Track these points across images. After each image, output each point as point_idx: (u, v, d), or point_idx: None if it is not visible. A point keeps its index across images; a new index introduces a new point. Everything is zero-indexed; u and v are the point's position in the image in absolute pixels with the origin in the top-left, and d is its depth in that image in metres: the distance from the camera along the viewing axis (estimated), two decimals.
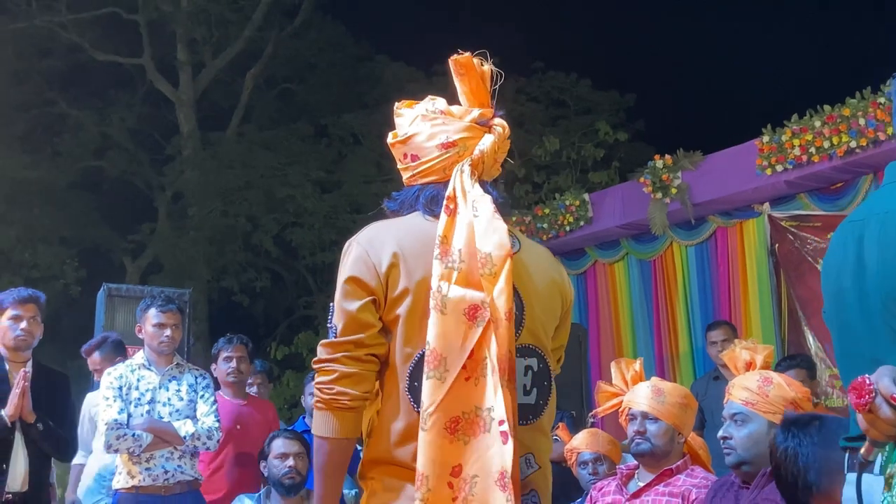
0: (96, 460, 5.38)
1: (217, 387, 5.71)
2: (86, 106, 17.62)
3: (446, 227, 2.17)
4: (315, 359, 2.19)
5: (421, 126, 2.32)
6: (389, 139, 2.40)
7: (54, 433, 4.48)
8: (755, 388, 3.23)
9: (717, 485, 3.43)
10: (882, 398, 1.52)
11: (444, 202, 2.21)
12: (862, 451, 1.63)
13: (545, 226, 8.56)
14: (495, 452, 2.01)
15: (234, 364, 5.57)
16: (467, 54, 2.35)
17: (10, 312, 4.44)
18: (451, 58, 2.36)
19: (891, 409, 1.51)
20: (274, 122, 17.72)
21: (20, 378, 4.23)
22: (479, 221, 2.16)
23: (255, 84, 17.98)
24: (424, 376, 2.07)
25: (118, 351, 5.91)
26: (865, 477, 1.93)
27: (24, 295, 4.50)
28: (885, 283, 2.01)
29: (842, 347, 2.22)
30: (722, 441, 3.26)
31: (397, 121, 2.40)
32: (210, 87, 18.00)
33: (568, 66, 15.55)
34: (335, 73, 18.05)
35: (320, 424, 2.16)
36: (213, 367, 5.72)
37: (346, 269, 2.21)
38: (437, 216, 2.21)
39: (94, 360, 5.84)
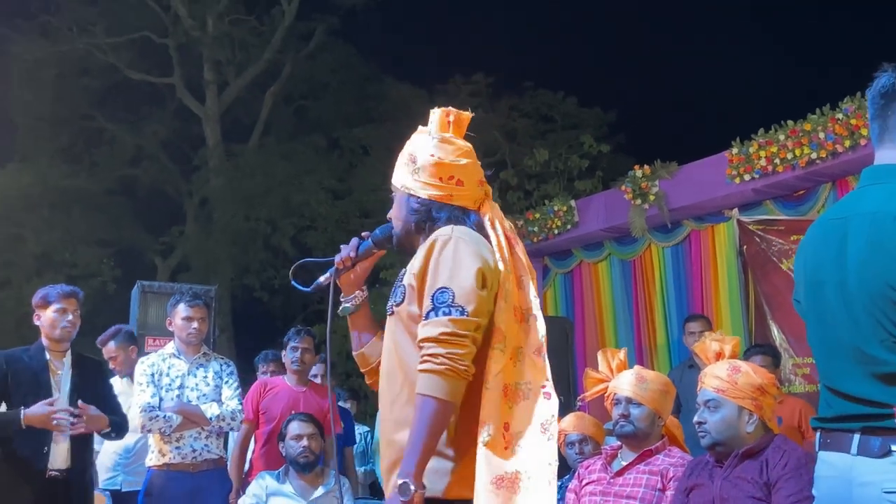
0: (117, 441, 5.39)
1: (284, 372, 5.69)
2: (121, 121, 17.62)
3: (497, 242, 2.37)
4: (450, 331, 2.20)
5: (470, 160, 2.45)
6: (440, 156, 2.44)
7: (115, 424, 4.47)
8: (725, 376, 3.22)
9: (693, 464, 3.42)
10: None
11: (489, 224, 2.41)
12: None
13: (535, 229, 8.55)
14: (536, 410, 2.26)
15: (298, 354, 5.49)
16: (471, 114, 2.51)
17: (54, 306, 4.43)
18: (458, 112, 2.49)
19: None
20: (291, 136, 17.70)
21: (76, 424, 4.21)
22: (519, 244, 2.42)
23: (274, 101, 17.98)
24: (490, 348, 2.26)
25: (131, 340, 5.90)
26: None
27: (66, 290, 4.49)
28: (877, 280, 2.01)
29: (819, 335, 2.21)
30: (697, 426, 3.26)
31: (444, 146, 2.45)
32: (233, 104, 17.98)
33: (556, 86, 15.56)
34: (346, 91, 18.02)
35: (450, 390, 2.19)
36: (283, 353, 5.69)
37: (470, 260, 2.28)
38: (486, 235, 2.39)
39: (109, 349, 5.80)
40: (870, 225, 2.03)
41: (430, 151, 2.44)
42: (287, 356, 5.55)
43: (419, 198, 2.45)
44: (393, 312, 2.39)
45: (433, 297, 2.25)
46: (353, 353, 2.59)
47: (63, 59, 16.90)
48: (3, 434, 4.16)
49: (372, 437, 7.48)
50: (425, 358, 2.21)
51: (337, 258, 2.54)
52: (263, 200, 15.93)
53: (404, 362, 2.33)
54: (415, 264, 2.36)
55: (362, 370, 2.60)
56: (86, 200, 16.57)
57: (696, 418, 3.26)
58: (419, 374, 2.21)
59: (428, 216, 2.44)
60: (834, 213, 2.23)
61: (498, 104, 14.96)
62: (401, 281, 2.41)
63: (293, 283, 2.55)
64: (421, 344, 2.23)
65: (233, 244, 15.92)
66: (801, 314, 2.31)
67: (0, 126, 16.89)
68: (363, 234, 2.51)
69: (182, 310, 4.91)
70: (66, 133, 17.40)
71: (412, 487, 2.11)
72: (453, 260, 2.28)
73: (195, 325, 4.88)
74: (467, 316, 2.21)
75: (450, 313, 2.22)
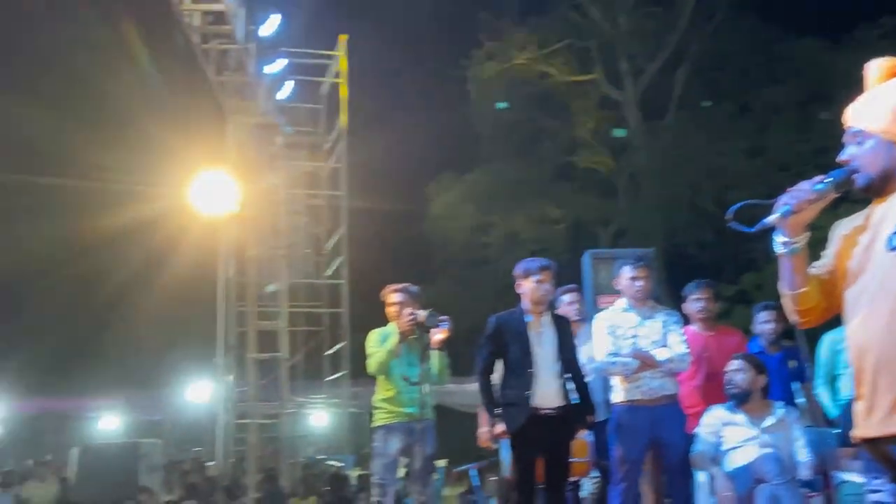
0: None
1: (688, 322, 5.62)
2: (556, 118, 18.39)
3: None
4: None
5: None
6: None
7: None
8: None
9: None
10: None
11: None
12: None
13: None
14: None
15: (702, 304, 5.40)
16: None
17: (534, 277, 4.73)
18: None
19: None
20: (702, 108, 17.18)
21: None
22: None
23: (686, 78, 17.57)
24: None
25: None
26: None
27: (543, 264, 4.75)
28: None
29: None
30: None
31: None
32: (648, 87, 17.91)
33: None
34: (750, 58, 17.01)
35: None
36: (683, 305, 5.63)
37: None
38: None
39: (574, 296, 5.96)
40: None
41: None
42: (691, 307, 5.39)
43: None
44: None
45: None
46: (794, 292, 2.26)
47: (507, 74, 18.05)
48: None
49: None
50: None
51: (786, 199, 2.21)
52: (681, 169, 15.68)
53: None
54: None
55: (799, 308, 2.28)
56: (536, 188, 17.57)
57: None
58: None
59: None
60: None
61: None
62: None
63: (732, 224, 2.28)
64: None
65: (657, 210, 15.89)
66: None
67: (467, 138, 18.59)
68: (817, 177, 2.24)
69: (627, 271, 4.97)
70: (515, 134, 18.56)
71: None
72: None
73: (640, 283, 4.92)
74: None
75: None
